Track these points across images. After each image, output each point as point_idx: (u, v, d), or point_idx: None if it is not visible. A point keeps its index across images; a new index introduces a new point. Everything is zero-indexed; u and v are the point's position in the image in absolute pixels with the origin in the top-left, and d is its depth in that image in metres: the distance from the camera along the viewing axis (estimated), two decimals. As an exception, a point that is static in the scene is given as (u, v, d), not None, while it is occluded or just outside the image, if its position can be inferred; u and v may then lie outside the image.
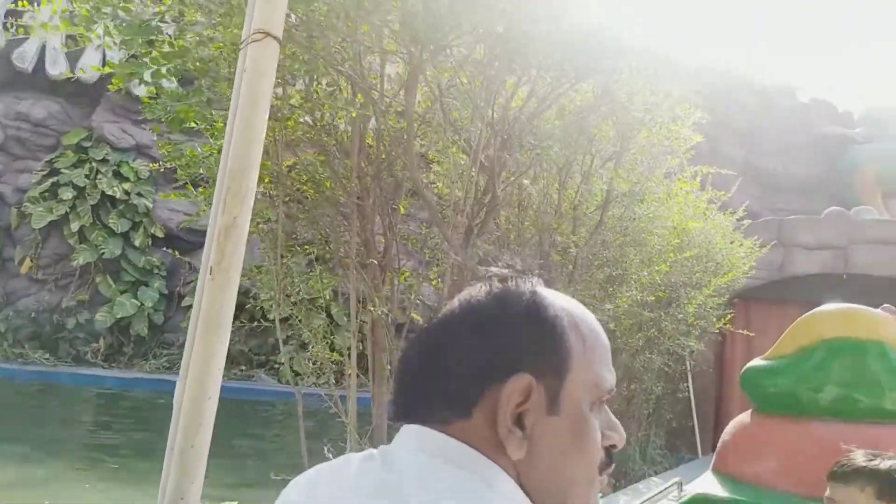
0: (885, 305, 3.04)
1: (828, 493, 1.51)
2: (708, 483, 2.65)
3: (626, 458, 6.67)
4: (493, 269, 0.70)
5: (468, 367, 0.64)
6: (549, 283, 0.71)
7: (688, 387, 8.50)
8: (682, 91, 4.09)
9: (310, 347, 3.78)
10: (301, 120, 3.50)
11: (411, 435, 0.66)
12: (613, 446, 0.70)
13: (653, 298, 4.98)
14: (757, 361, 2.98)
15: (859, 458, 1.51)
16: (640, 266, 4.59)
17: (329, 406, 3.46)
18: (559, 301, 0.69)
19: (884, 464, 1.45)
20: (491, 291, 0.67)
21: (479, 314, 0.66)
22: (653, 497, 2.65)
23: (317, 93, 3.47)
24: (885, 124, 18.32)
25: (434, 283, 4.15)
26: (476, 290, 0.68)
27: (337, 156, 3.51)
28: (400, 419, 0.68)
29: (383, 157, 3.56)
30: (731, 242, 7.82)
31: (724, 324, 6.81)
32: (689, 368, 8.81)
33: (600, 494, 0.72)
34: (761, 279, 9.06)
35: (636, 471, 7.02)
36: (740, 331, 9.47)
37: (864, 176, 17.55)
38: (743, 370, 3.00)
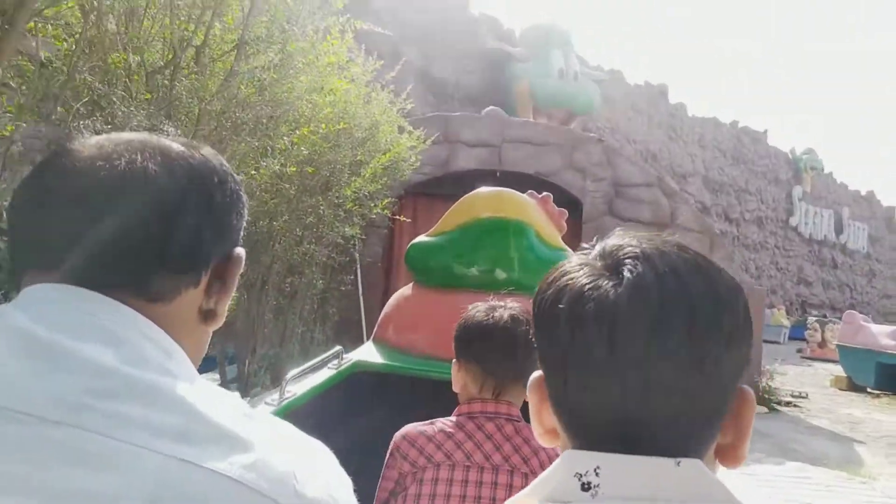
0: (529, 191, 3.15)
1: None
2: (367, 351, 2.70)
3: (288, 356, 6.33)
4: None
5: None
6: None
7: (354, 280, 8.42)
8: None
9: None
10: None
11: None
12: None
13: (294, 169, 4.44)
14: (421, 238, 3.02)
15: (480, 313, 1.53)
16: (283, 134, 4.09)
17: None
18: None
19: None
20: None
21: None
22: (313, 364, 2.47)
23: None
24: (537, 44, 20.07)
25: None
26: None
27: None
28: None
29: None
30: (401, 133, 7.70)
31: (383, 209, 6.68)
32: (357, 261, 8.72)
33: None
34: (427, 174, 9.24)
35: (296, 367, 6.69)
36: (408, 220, 9.73)
37: (520, 91, 19.20)
38: (408, 247, 3.02)
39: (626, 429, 0.56)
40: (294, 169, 4.55)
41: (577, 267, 0.60)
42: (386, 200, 6.82)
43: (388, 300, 10.39)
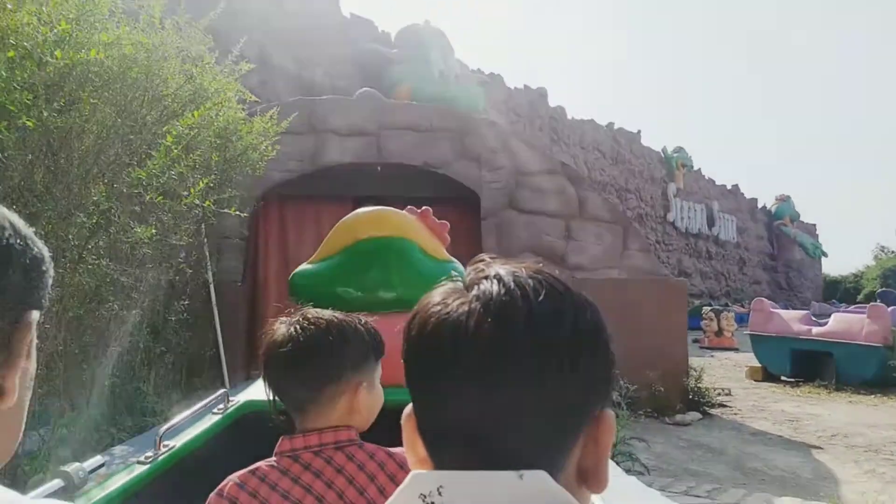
0: (408, 207, 2.82)
1: None
2: (258, 389, 2.21)
3: (93, 420, 4.31)
4: None
5: None
6: None
7: (202, 305, 6.41)
8: None
9: None
10: None
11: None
12: None
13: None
14: (303, 266, 2.72)
15: None
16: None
17: None
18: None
19: None
20: None
21: None
22: (196, 410, 1.97)
23: None
24: (415, 45, 18.78)
25: None
26: None
27: None
28: None
29: None
30: (249, 115, 5.84)
31: (233, 211, 4.77)
32: (210, 281, 6.72)
33: None
34: (293, 171, 7.38)
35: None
36: (274, 229, 7.79)
37: (401, 94, 17.72)
38: (290, 276, 2.71)
39: (469, 446, 0.55)
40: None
41: (437, 293, 0.60)
42: (229, 196, 4.95)
43: (257, 327, 7.68)
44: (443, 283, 0.61)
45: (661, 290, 7.61)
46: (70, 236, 3.52)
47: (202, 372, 6.56)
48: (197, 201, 3.87)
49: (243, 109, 5.61)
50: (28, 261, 0.57)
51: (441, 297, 0.58)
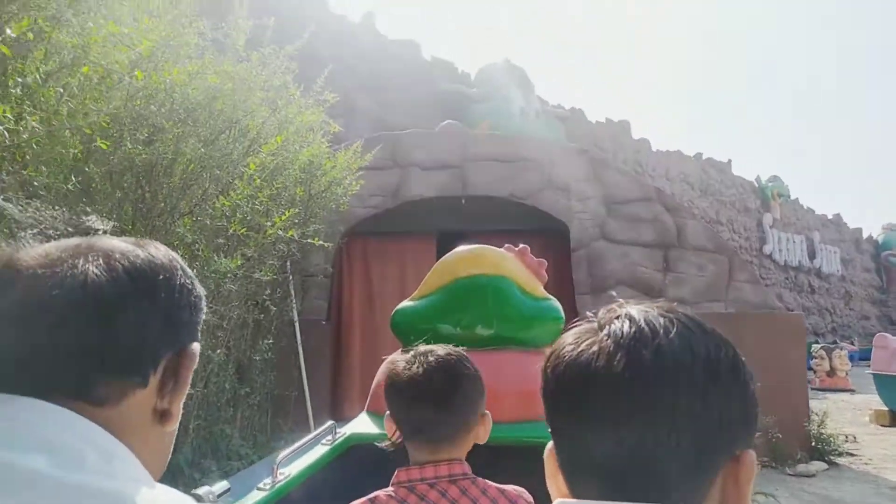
0: (506, 245, 2.84)
1: None
2: (361, 423, 2.52)
3: (177, 471, 4.15)
4: None
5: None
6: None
7: (286, 345, 6.27)
8: None
9: None
10: None
11: None
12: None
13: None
14: (404, 304, 2.80)
15: None
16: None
17: None
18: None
19: None
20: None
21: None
22: (305, 442, 2.14)
23: None
24: (495, 83, 18.77)
25: None
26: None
27: None
28: None
29: None
30: (334, 148, 5.75)
31: (317, 242, 4.57)
32: (295, 320, 6.60)
33: None
34: (376, 207, 7.24)
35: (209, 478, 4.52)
36: (357, 265, 7.64)
37: (481, 131, 17.67)
38: (393, 313, 2.77)
39: (605, 480, 0.55)
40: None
41: (571, 333, 0.61)
42: (314, 231, 4.78)
43: (344, 367, 7.32)
44: (577, 323, 0.62)
45: (775, 325, 6.89)
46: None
47: (286, 413, 6.39)
48: (280, 232, 3.69)
49: (328, 145, 5.51)
50: (193, 299, 0.65)
51: (574, 338, 0.60)
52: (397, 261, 7.65)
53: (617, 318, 0.58)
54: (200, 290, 0.67)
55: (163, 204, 3.59)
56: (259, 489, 1.90)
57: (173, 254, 0.65)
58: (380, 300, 7.60)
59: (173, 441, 0.66)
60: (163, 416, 0.63)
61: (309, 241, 4.33)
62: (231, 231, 3.39)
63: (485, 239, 7.56)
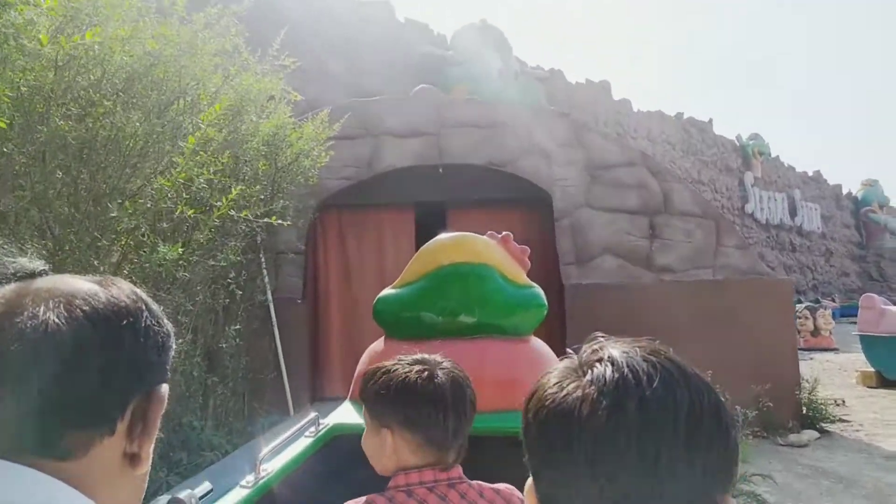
0: (489, 232, 2.85)
1: None
2: (345, 412, 2.51)
3: (173, 447, 3.85)
4: None
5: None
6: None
7: (259, 326, 5.95)
8: None
9: None
10: None
11: None
12: None
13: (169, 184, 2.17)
14: (386, 291, 2.80)
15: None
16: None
17: None
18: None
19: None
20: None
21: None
22: (289, 435, 2.09)
23: None
24: (472, 45, 18.22)
25: None
26: None
27: None
28: None
29: None
30: (298, 120, 5.35)
31: (274, 220, 4.20)
32: (269, 299, 6.27)
33: None
34: (349, 178, 6.86)
35: (185, 468, 4.28)
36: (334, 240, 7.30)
37: (458, 94, 17.19)
38: (375, 301, 2.76)
39: None
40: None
41: (554, 375, 0.61)
42: (281, 208, 4.41)
43: (322, 345, 6.88)
44: (560, 362, 0.62)
45: (764, 292, 6.68)
46: (97, 263, 3.05)
47: (262, 397, 6.11)
48: (233, 213, 3.32)
49: (291, 115, 5.10)
50: (161, 339, 0.64)
51: (556, 381, 0.59)
52: (374, 234, 7.31)
53: (599, 361, 0.58)
54: (168, 328, 0.66)
55: (104, 186, 3.22)
56: (242, 486, 1.86)
57: (138, 291, 0.64)
58: (357, 275, 7.29)
59: (146, 481, 0.65)
60: (132, 459, 0.61)
61: (267, 220, 3.95)
62: (178, 213, 3.03)
63: (464, 209, 7.22)
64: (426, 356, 1.33)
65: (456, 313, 2.61)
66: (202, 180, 3.02)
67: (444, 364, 1.32)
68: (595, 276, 6.72)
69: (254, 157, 4.51)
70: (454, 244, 2.74)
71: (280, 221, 4.00)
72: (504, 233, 2.85)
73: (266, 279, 6.25)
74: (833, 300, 26.09)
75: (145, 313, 0.62)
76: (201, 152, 3.08)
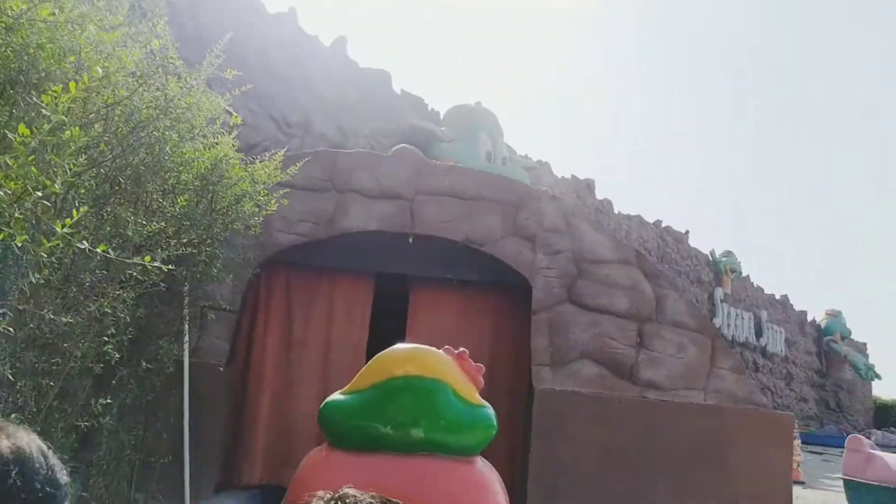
0: (445, 347, 2.83)
1: None
2: None
3: None
4: None
5: None
6: None
7: (168, 395, 4.76)
8: None
9: None
10: None
11: None
12: None
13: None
14: (335, 396, 2.80)
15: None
16: None
17: None
18: None
19: None
20: None
21: None
22: None
23: None
24: (464, 126, 17.78)
25: None
26: None
27: None
28: None
29: None
30: (246, 156, 4.40)
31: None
32: (185, 364, 5.12)
33: None
34: (304, 235, 5.86)
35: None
36: (279, 301, 6.19)
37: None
38: (321, 406, 2.78)
39: None
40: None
41: None
42: (204, 252, 3.38)
43: (246, 423, 6.09)
44: None
45: (761, 425, 5.71)
46: None
47: (151, 482, 4.83)
48: (83, 244, 2.24)
49: (236, 146, 4.14)
50: (55, 493, 0.63)
51: None
52: (325, 301, 6.26)
53: None
54: (62, 479, 0.63)
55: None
56: None
57: (37, 444, 0.61)
58: (299, 346, 6.17)
59: None
60: None
61: (171, 268, 2.85)
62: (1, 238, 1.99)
63: (430, 288, 6.17)
64: (349, 491, 1.12)
65: (405, 427, 2.57)
66: (39, 193, 1.99)
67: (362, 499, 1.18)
68: (570, 382, 5.71)
69: (175, 186, 3.50)
70: (409, 356, 2.73)
71: (190, 271, 2.95)
72: (461, 349, 2.79)
73: (186, 338, 5.11)
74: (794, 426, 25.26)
75: (37, 464, 0.60)
76: (53, 154, 2.07)
